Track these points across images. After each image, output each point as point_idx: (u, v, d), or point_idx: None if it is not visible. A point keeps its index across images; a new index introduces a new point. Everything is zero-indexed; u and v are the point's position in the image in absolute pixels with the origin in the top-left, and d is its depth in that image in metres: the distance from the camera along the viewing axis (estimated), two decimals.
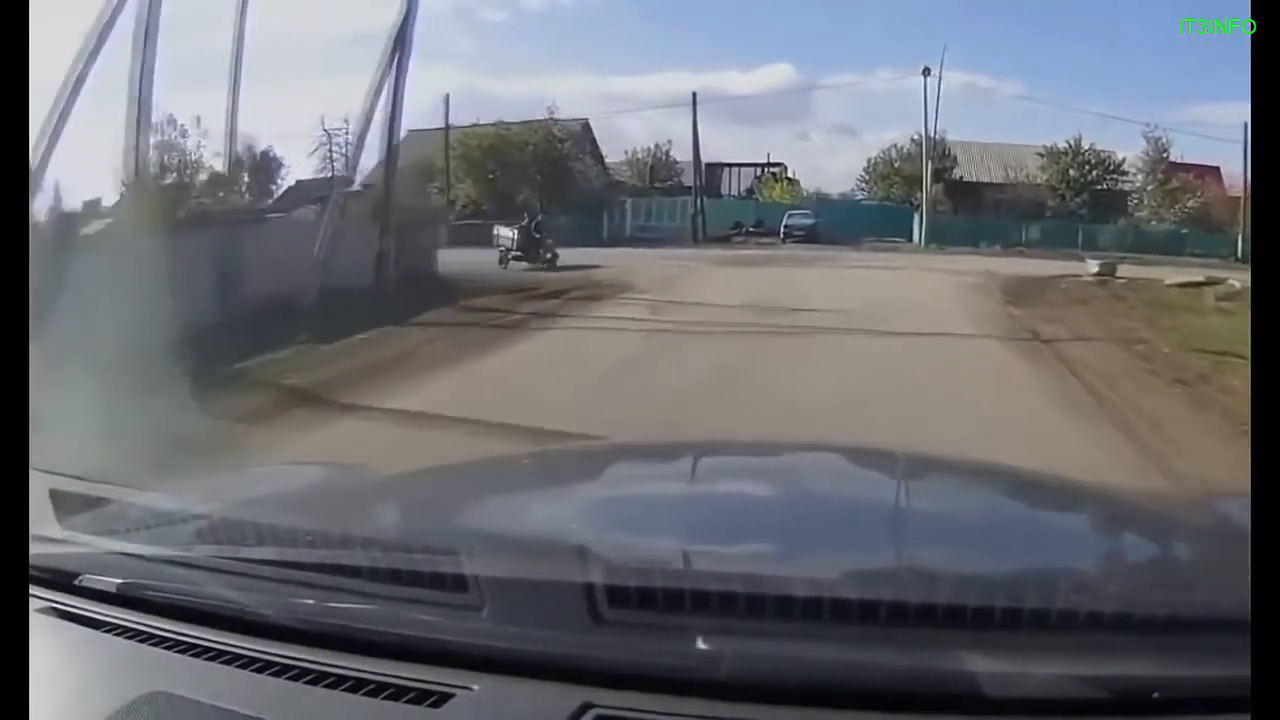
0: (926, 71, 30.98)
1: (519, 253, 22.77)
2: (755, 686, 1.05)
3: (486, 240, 28.05)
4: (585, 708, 1.04)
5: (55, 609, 1.31)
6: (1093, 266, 19.75)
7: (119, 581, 1.31)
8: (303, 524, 1.43)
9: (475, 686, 1.09)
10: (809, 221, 32.35)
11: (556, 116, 36.18)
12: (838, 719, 1.04)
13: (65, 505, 1.46)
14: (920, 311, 13.05)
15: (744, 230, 33.49)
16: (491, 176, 35.05)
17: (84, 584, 1.33)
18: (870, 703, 1.03)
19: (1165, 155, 32.89)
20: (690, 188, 34.88)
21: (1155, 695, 1.01)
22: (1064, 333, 11.73)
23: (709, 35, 48.52)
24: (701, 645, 1.08)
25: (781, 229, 32.23)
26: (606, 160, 38.97)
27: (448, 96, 35.98)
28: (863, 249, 28.85)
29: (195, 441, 5.74)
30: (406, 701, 1.08)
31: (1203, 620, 1.11)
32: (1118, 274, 19.18)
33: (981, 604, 1.08)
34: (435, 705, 1.07)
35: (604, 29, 49.55)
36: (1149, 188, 32.89)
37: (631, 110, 46.81)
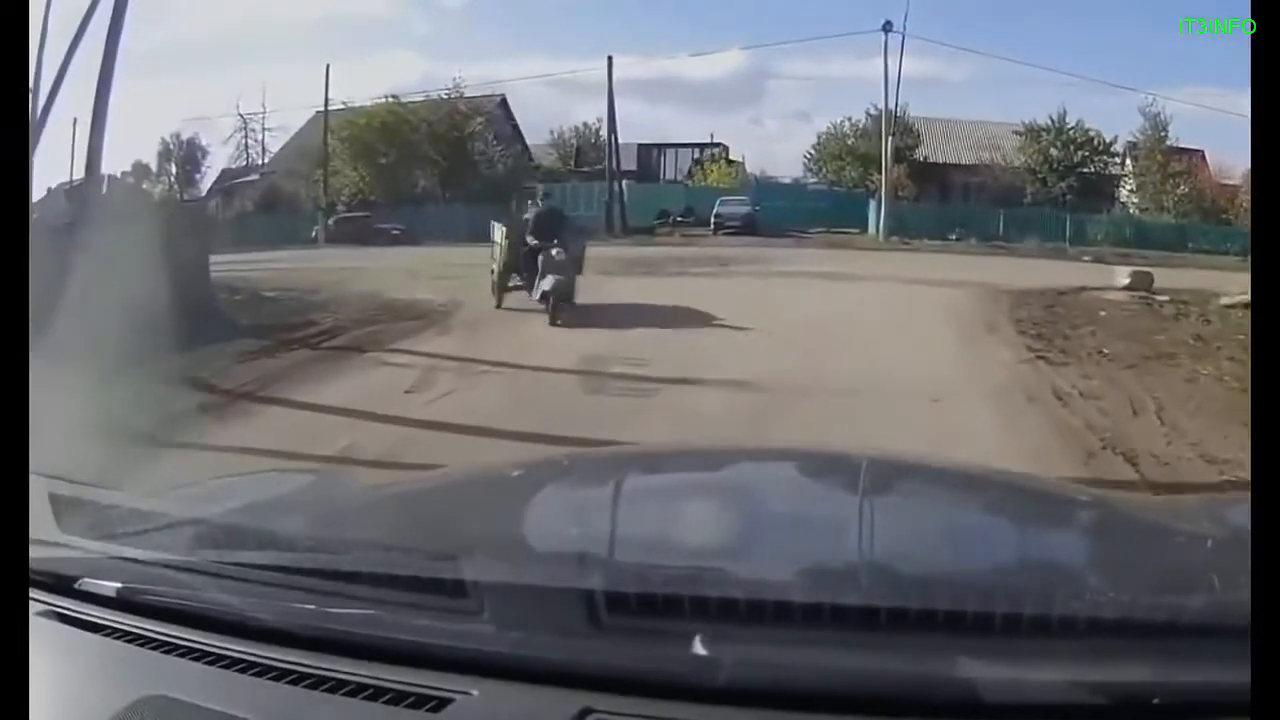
0: (887, 27, 25.81)
1: (517, 276, 11.99)
2: (754, 693, 1.05)
3: (371, 237, 24.48)
4: (585, 713, 1.04)
5: (55, 612, 1.32)
6: (1122, 277, 14.42)
7: (118, 585, 1.31)
8: (302, 529, 1.47)
9: (475, 691, 1.10)
10: (744, 210, 27.51)
11: (464, 91, 31.59)
12: None
13: (65, 509, 1.45)
14: (903, 399, 6.72)
15: (671, 220, 28.59)
16: (383, 161, 30.54)
17: (83, 588, 1.33)
18: (870, 709, 1.03)
19: (1164, 135, 28.26)
20: (622, 171, 29.94)
21: (1155, 701, 1.02)
22: (1202, 469, 5.36)
23: (664, 18, 45.32)
24: (701, 651, 1.08)
25: (712, 219, 27.06)
26: (530, 142, 34.45)
27: (328, 68, 30.49)
28: (809, 244, 23.96)
29: None
30: (406, 706, 1.09)
31: (1202, 625, 1.11)
32: (1154, 287, 13.89)
33: (981, 610, 1.09)
34: (434, 710, 1.07)
35: (559, 12, 46.69)
36: (1148, 171, 28.10)
37: (579, 93, 42.10)
